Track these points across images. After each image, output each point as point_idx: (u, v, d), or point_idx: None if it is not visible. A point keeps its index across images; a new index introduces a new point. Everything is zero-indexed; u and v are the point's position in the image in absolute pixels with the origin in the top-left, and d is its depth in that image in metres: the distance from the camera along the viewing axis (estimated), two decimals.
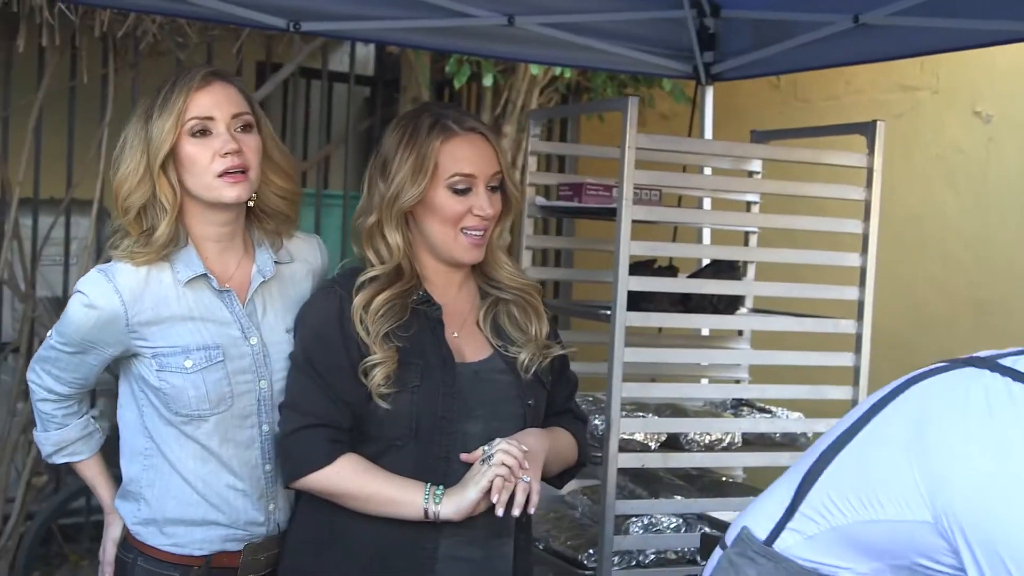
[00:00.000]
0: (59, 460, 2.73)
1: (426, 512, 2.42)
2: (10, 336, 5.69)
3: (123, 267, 2.48)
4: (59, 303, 5.80)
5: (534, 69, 5.84)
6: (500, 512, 2.38)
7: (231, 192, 2.47)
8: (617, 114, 3.58)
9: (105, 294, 2.46)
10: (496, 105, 6.28)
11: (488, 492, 2.40)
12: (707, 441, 3.86)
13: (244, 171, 2.47)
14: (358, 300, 2.47)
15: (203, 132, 2.45)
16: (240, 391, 2.52)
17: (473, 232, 2.52)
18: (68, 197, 5.71)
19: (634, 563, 3.73)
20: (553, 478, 2.75)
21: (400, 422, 2.46)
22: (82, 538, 5.94)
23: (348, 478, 2.46)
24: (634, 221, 3.55)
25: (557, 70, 5.90)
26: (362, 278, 2.51)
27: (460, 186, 2.50)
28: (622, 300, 3.53)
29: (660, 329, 4.24)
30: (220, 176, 2.45)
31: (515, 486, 2.40)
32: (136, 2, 3.82)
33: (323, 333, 2.50)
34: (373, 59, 7.13)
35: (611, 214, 3.63)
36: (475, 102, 6.97)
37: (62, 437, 2.68)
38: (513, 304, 2.64)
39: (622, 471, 3.70)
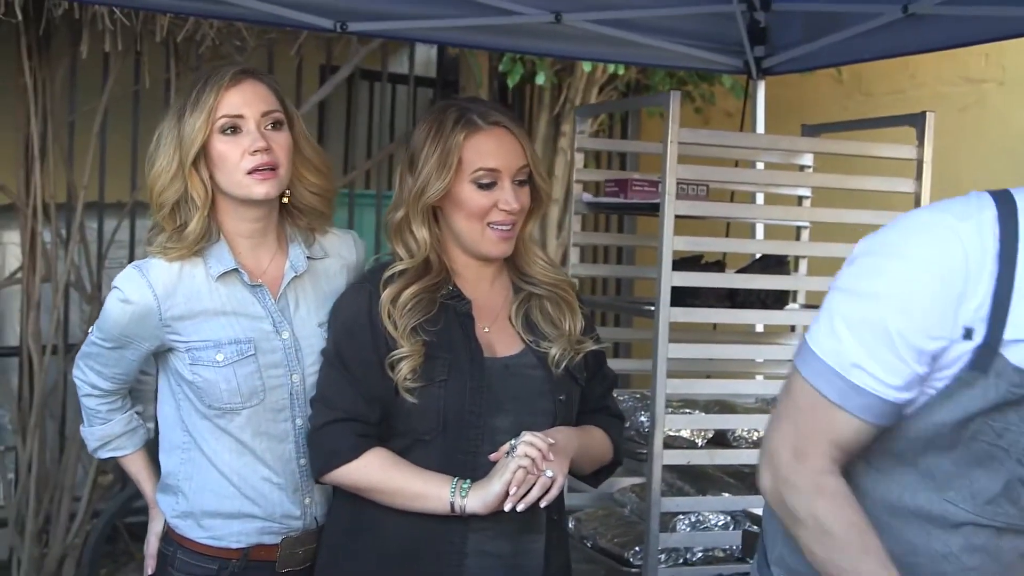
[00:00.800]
0: (104, 455, 2.79)
1: (452, 506, 2.42)
2: (78, 338, 5.76)
3: (157, 262, 2.52)
4: None
5: (586, 66, 5.82)
6: (508, 506, 2.37)
7: (260, 188, 2.49)
8: (682, 110, 3.56)
9: (139, 289, 2.50)
10: (555, 104, 6.28)
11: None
12: (755, 438, 3.83)
13: (274, 168, 2.50)
14: (385, 294, 2.48)
15: (233, 130, 2.48)
16: (272, 385, 2.55)
17: (500, 226, 2.51)
18: (132, 200, 5.79)
19: (681, 560, 3.71)
20: (587, 476, 2.74)
21: (427, 416, 2.46)
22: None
23: (375, 472, 2.47)
24: (677, 216, 3.53)
25: (613, 68, 5.88)
26: (389, 272, 2.52)
27: (484, 180, 2.49)
28: (666, 296, 3.52)
29: (715, 325, 4.21)
30: (250, 173, 2.48)
31: (536, 480, 2.38)
32: (184, 6, 3.85)
33: (352, 328, 2.52)
34: (435, 60, 7.16)
35: (655, 210, 3.61)
36: (535, 101, 6.98)
37: (107, 432, 2.74)
38: (547, 299, 2.62)
39: (669, 468, 3.69)
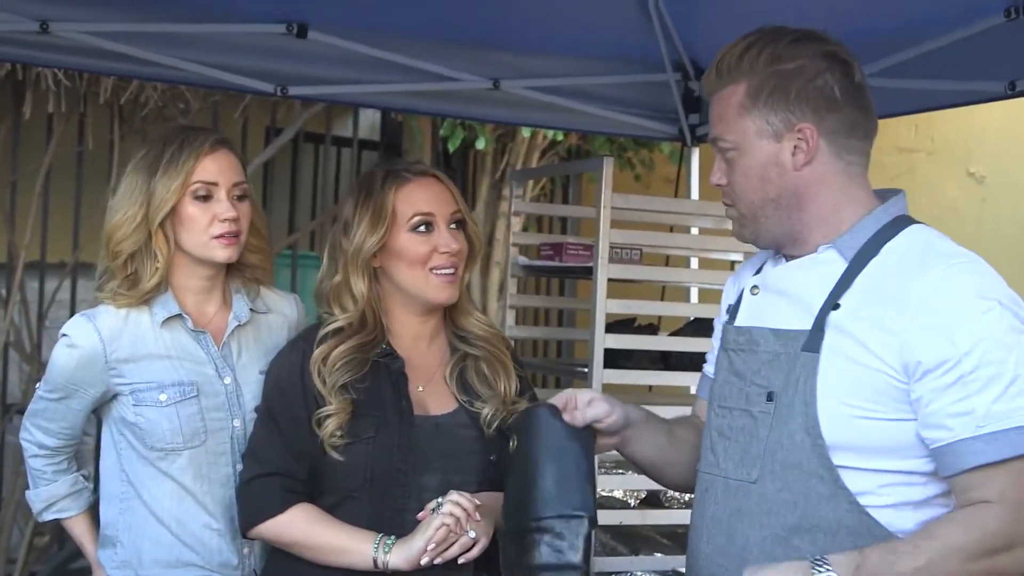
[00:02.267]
0: (48, 516, 2.80)
1: (375, 562, 2.43)
2: (16, 398, 5.76)
3: (104, 309, 2.59)
4: None
5: (524, 131, 5.91)
6: (426, 560, 2.39)
7: (224, 252, 2.58)
8: (621, 176, 3.63)
9: (85, 333, 2.56)
10: (496, 168, 6.36)
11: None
12: (687, 498, 3.87)
13: (237, 235, 2.59)
14: (317, 353, 2.51)
15: (206, 197, 2.57)
16: (213, 428, 2.59)
17: (443, 271, 2.54)
18: (74, 260, 5.82)
19: None
20: None
21: (354, 472, 2.48)
22: None
23: (300, 527, 2.49)
24: (611, 280, 3.60)
25: (554, 134, 5.97)
26: (324, 330, 2.55)
27: (420, 225, 2.53)
28: (599, 358, 3.58)
29: (650, 388, 4.27)
30: (216, 238, 2.56)
31: (457, 538, 2.41)
32: (127, 69, 3.87)
33: (283, 385, 2.55)
34: (379, 124, 7.24)
35: (588, 273, 3.68)
36: (477, 166, 7.06)
37: (51, 493, 2.76)
38: (482, 360, 2.64)
39: (603, 528, 3.73)
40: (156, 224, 2.54)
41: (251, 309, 2.70)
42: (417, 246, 2.53)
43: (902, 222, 2.07)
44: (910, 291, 1.93)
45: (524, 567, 2.14)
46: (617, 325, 3.82)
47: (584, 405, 2.22)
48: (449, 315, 2.66)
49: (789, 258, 2.12)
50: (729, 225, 4.12)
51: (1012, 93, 3.35)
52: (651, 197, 4.30)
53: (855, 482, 1.96)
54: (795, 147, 2.04)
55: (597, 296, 3.56)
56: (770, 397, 2.03)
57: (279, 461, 2.50)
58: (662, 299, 4.63)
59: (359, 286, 2.55)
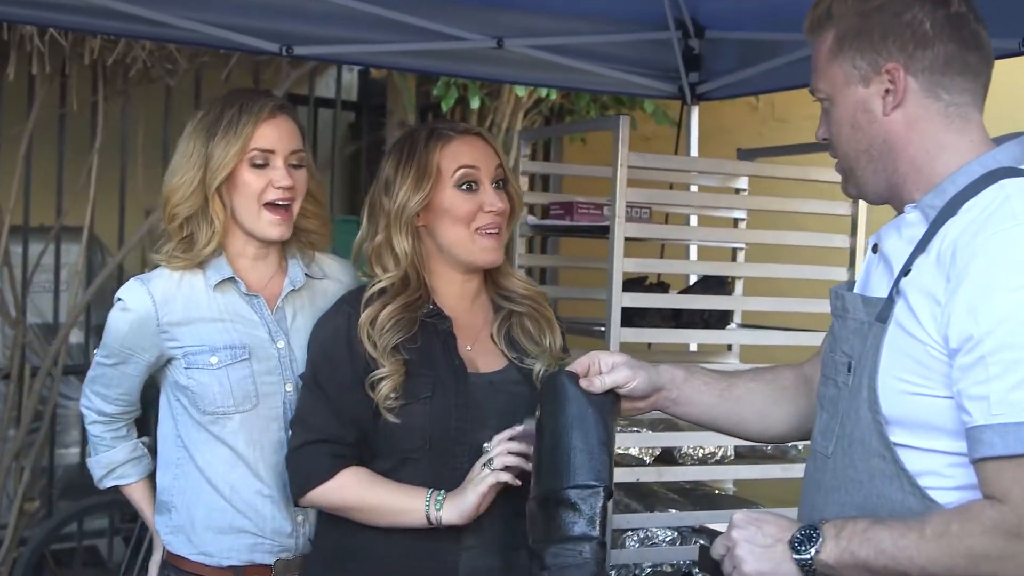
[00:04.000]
0: (108, 483, 2.80)
1: (428, 518, 2.42)
2: (1, 363, 5.71)
3: (159, 272, 2.60)
4: (50, 329, 5.84)
5: (519, 91, 5.90)
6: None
7: (275, 231, 2.58)
8: (600, 135, 3.66)
9: (138, 297, 2.57)
10: (481, 127, 6.34)
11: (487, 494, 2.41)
12: (700, 455, 3.93)
13: (288, 206, 2.58)
14: (364, 315, 2.48)
15: (263, 164, 2.55)
16: (265, 392, 2.58)
17: (489, 230, 2.52)
18: (58, 224, 5.76)
19: (631, 575, 3.78)
20: None
21: (413, 434, 2.45)
22: (74, 563, 5.93)
23: (351, 491, 2.48)
24: (626, 238, 3.61)
25: (542, 92, 5.96)
26: (369, 292, 2.53)
27: (466, 180, 2.50)
28: (616, 316, 3.59)
29: (650, 345, 4.30)
30: (267, 205, 2.55)
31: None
32: (128, 28, 3.83)
33: (329, 350, 2.53)
34: (356, 85, 7.19)
35: (603, 232, 3.69)
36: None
37: (111, 459, 2.76)
38: (526, 316, 2.61)
39: (618, 486, 3.74)
40: (213, 189, 2.53)
41: (306, 274, 2.69)
42: (463, 203, 2.50)
43: (998, 175, 1.86)
44: (959, 256, 1.80)
45: (544, 536, 2.15)
46: (629, 284, 3.84)
47: (607, 369, 2.18)
48: (490, 276, 2.64)
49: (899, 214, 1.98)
50: (730, 183, 4.24)
51: None
52: (665, 156, 4.31)
53: (915, 462, 1.86)
54: (885, 91, 1.90)
55: (615, 255, 3.57)
56: (849, 368, 1.95)
57: (327, 427, 2.48)
58: (661, 256, 4.65)
59: (402, 245, 2.52)
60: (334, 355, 2.51)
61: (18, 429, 5.50)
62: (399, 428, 2.45)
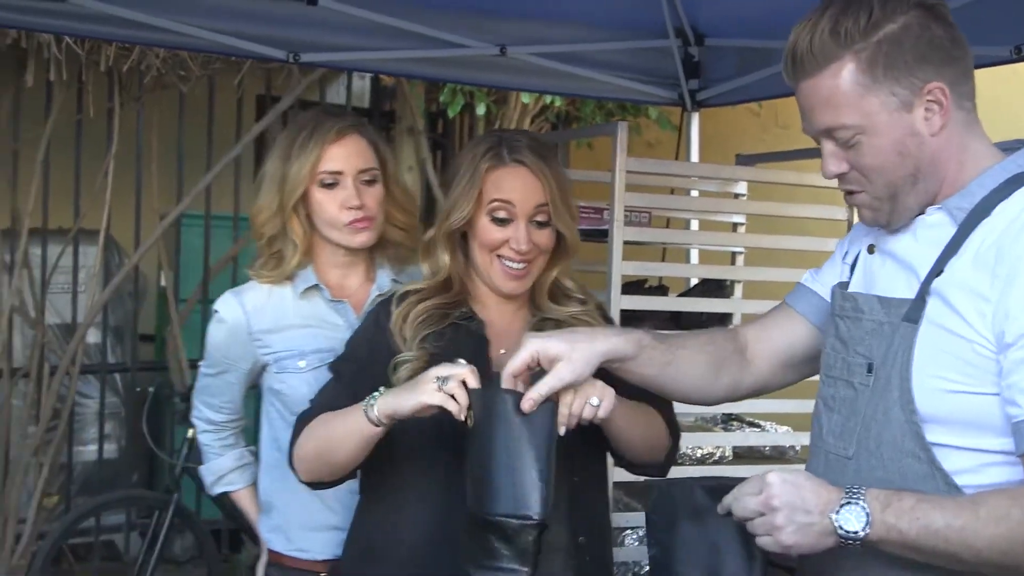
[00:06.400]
0: (218, 489, 2.98)
1: (368, 417, 2.24)
2: (21, 362, 5.82)
3: (251, 285, 2.78)
4: (68, 329, 5.96)
5: (525, 98, 6.00)
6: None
7: (358, 238, 2.71)
8: (605, 141, 3.72)
9: (231, 308, 2.76)
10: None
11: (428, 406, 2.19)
12: (699, 455, 4.01)
13: (369, 219, 2.69)
14: (398, 312, 2.47)
15: (332, 184, 2.67)
16: None
17: (508, 262, 2.46)
18: (76, 227, 5.89)
19: (630, 574, 3.86)
20: (648, 464, 2.53)
21: (425, 427, 2.31)
22: (92, 557, 6.05)
23: (310, 436, 2.38)
24: (625, 242, 3.70)
25: (547, 99, 6.06)
26: (405, 289, 2.53)
27: (498, 214, 2.44)
28: (615, 319, 3.66)
29: None
30: (348, 225, 2.68)
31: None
32: (142, 36, 3.93)
33: (357, 334, 2.54)
34: (369, 91, 7.29)
35: (602, 236, 3.78)
36: (468, 131, 7.15)
37: (220, 466, 2.95)
38: (564, 323, 2.50)
39: (618, 485, 3.83)
40: (290, 209, 2.66)
41: (394, 280, 2.78)
42: (492, 232, 2.45)
43: (1022, 179, 1.90)
44: (1006, 255, 1.81)
45: (471, 558, 2.08)
46: (628, 287, 3.92)
47: (546, 365, 2.07)
48: (535, 300, 2.56)
49: None
50: (730, 188, 4.32)
51: (1018, 57, 3.40)
52: (663, 161, 4.41)
53: (952, 461, 1.85)
54: (926, 111, 1.87)
55: (613, 258, 3.66)
56: (870, 369, 1.93)
57: (326, 400, 2.42)
58: (663, 260, 4.74)
59: (443, 256, 2.51)
60: (358, 336, 2.53)
61: (37, 426, 5.62)
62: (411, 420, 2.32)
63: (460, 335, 2.47)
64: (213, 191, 6.03)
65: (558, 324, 2.49)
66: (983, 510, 1.76)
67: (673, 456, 2.56)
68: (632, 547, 3.85)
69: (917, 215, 1.95)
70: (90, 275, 5.89)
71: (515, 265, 2.46)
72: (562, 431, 2.13)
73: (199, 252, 6.23)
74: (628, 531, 3.87)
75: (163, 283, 6.35)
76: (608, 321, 2.64)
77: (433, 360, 2.35)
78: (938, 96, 1.87)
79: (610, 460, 2.58)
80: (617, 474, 3.66)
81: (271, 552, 2.80)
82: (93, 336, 6.14)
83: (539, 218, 2.45)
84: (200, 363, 2.87)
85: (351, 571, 2.55)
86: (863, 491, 1.80)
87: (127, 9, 3.69)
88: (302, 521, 2.75)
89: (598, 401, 2.17)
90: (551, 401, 2.10)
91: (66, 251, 5.94)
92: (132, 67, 5.55)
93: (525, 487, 2.04)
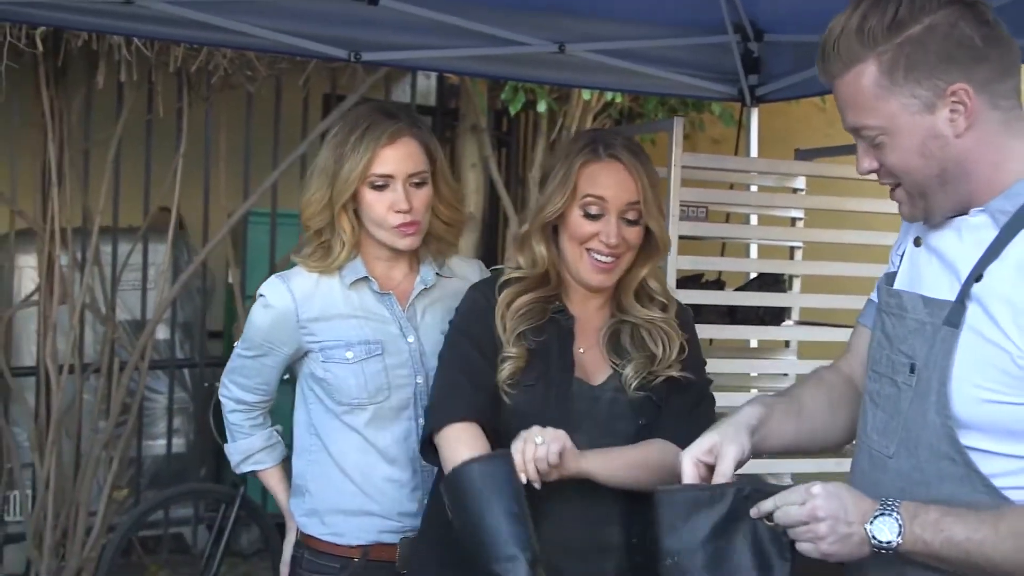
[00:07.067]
0: (245, 468, 2.99)
1: None
2: (91, 358, 5.95)
3: (298, 271, 2.77)
4: (138, 325, 6.08)
5: (585, 95, 6.02)
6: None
7: (404, 242, 2.72)
8: (667, 137, 3.73)
9: (280, 294, 2.74)
10: (551, 131, 6.49)
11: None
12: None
13: (416, 224, 2.71)
14: (503, 297, 2.54)
15: (383, 186, 2.68)
16: (397, 384, 2.73)
17: (596, 255, 2.51)
18: (145, 225, 6.01)
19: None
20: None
21: (514, 418, 2.46)
22: (160, 549, 6.18)
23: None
24: (681, 237, 3.72)
25: (609, 96, 6.08)
26: (507, 276, 2.59)
27: (591, 209, 2.50)
28: None
29: (711, 341, 4.39)
30: (396, 228, 2.69)
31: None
32: (205, 36, 4.03)
33: (469, 317, 2.59)
34: (435, 90, 7.36)
35: None
36: (531, 129, 7.19)
37: (249, 446, 2.95)
38: (641, 327, 2.59)
39: None
40: (339, 206, 2.68)
41: (437, 273, 2.82)
42: (583, 226, 2.52)
43: None
44: None
45: None
46: (685, 281, 3.94)
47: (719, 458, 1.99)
48: (619, 297, 2.62)
49: None
50: (789, 183, 4.32)
51: None
52: (719, 156, 4.43)
53: (988, 465, 1.85)
54: (951, 112, 1.86)
55: (669, 253, 3.67)
56: (912, 369, 1.93)
57: (469, 371, 2.52)
58: (722, 255, 4.74)
59: (539, 248, 2.57)
60: (474, 321, 2.58)
61: (107, 421, 5.74)
62: (507, 409, 2.50)
63: (552, 330, 2.55)
64: (279, 189, 6.13)
65: (634, 328, 2.58)
66: (1003, 524, 1.80)
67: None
68: None
69: (959, 215, 1.93)
70: (159, 272, 6.00)
71: (604, 259, 2.52)
72: (523, 478, 2.29)
73: (265, 249, 6.33)
74: None
75: (230, 280, 6.45)
76: (687, 329, 2.64)
77: (531, 356, 2.50)
78: (962, 97, 1.85)
79: None
80: None
81: (304, 535, 2.82)
82: (162, 332, 6.26)
83: (630, 215, 2.52)
84: (237, 343, 2.87)
85: (428, 550, 2.62)
86: (897, 503, 1.83)
87: (193, 11, 3.76)
88: (337, 506, 2.76)
89: (541, 439, 2.29)
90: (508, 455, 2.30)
91: (136, 248, 6.06)
92: (200, 68, 5.66)
93: (504, 535, 2.25)
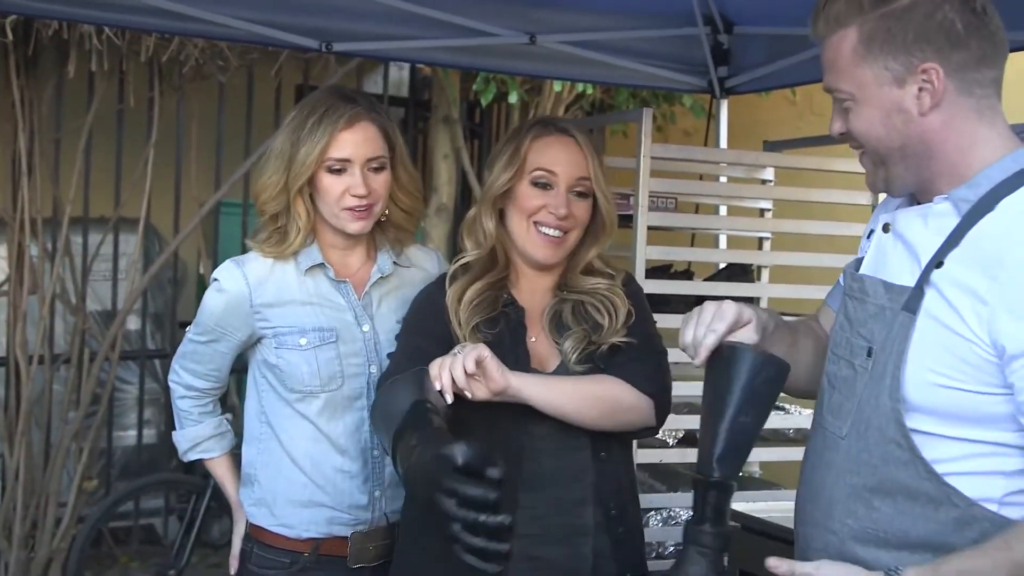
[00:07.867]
0: (193, 456, 2.93)
1: None
2: (62, 348, 5.93)
3: (253, 256, 2.73)
4: (108, 316, 6.07)
5: (556, 86, 6.04)
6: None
7: (355, 226, 2.68)
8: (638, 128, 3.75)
9: (234, 278, 2.70)
10: (523, 122, 6.50)
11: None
12: None
13: (370, 207, 2.68)
14: (452, 291, 2.54)
15: (340, 170, 2.64)
16: (350, 372, 2.69)
17: (544, 228, 2.53)
18: (116, 215, 6.00)
19: (654, 555, 3.89)
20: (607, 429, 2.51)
21: (475, 412, 2.35)
22: (131, 540, 6.17)
23: None
24: (649, 227, 3.74)
25: (581, 88, 6.09)
26: (455, 265, 2.60)
27: (540, 180, 2.52)
28: None
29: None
30: (347, 210, 2.66)
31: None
32: (177, 26, 4.03)
33: (421, 309, 2.60)
34: (407, 81, 7.36)
35: (628, 221, 3.82)
36: (503, 120, 7.20)
37: (197, 433, 2.89)
38: (583, 303, 2.57)
39: (643, 467, 3.88)
40: (295, 191, 2.64)
41: (394, 262, 2.80)
42: (531, 197, 2.54)
43: None
44: (1006, 259, 1.80)
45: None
46: (654, 271, 3.96)
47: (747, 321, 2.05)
48: (566, 278, 2.62)
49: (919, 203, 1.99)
50: (758, 174, 4.35)
51: None
52: (688, 147, 4.44)
53: (933, 450, 1.87)
54: (919, 90, 1.88)
55: (637, 243, 3.70)
56: (870, 353, 1.95)
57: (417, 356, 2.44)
58: (692, 245, 4.77)
59: (488, 224, 2.59)
60: (426, 313, 2.58)
61: (77, 411, 5.73)
62: (468, 404, 2.34)
63: (504, 322, 2.54)
64: (251, 180, 6.09)
65: (576, 303, 2.58)
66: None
67: (654, 420, 2.54)
68: (656, 528, 3.89)
69: (925, 195, 1.96)
70: (130, 263, 5.99)
71: (552, 231, 2.53)
72: (437, 386, 2.20)
73: (237, 239, 6.30)
74: (652, 512, 3.91)
75: (202, 270, 6.44)
76: (634, 296, 2.64)
77: None
78: (932, 77, 1.87)
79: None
80: (641, 456, 3.74)
81: (252, 527, 2.77)
82: (133, 323, 6.27)
83: (579, 188, 2.55)
84: (188, 330, 2.82)
85: (409, 535, 2.59)
86: (901, 570, 1.80)
87: (164, 0, 3.76)
88: (288, 496, 2.71)
89: (458, 350, 2.26)
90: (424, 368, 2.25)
91: (106, 239, 6.05)
92: (172, 57, 5.65)
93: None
